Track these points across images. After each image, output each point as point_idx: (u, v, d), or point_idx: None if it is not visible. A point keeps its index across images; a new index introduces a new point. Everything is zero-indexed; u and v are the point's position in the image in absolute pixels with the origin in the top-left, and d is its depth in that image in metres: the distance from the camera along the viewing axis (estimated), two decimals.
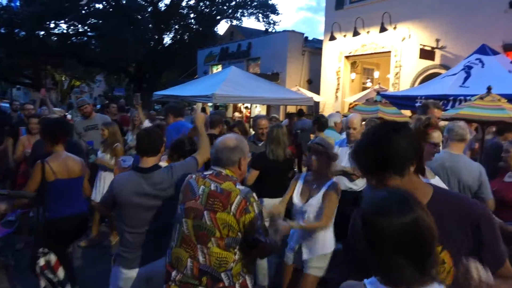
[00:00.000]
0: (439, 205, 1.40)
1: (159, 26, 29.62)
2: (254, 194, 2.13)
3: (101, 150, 5.23)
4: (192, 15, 32.33)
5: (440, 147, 2.92)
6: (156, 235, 2.61)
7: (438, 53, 10.99)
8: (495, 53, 7.58)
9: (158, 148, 2.73)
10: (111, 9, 25.85)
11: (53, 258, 3.07)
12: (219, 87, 9.78)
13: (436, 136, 2.70)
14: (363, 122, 4.77)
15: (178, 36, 32.50)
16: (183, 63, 27.75)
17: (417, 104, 7.16)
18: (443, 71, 9.71)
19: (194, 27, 32.26)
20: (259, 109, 18.07)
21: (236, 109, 16.82)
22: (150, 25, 27.99)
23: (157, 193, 2.60)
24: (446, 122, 4.17)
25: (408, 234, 1.08)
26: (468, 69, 7.25)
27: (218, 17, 32.72)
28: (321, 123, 5.62)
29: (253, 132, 5.51)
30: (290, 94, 11.78)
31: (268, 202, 3.99)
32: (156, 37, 30.67)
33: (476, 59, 7.39)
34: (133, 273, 2.57)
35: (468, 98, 5.91)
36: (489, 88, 5.36)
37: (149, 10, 29.70)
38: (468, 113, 4.85)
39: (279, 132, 4.08)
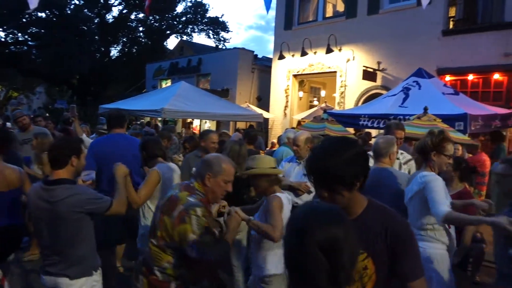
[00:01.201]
0: (369, 216, 1.54)
1: (106, 38, 28.88)
2: (199, 210, 2.11)
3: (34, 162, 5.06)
4: (141, 29, 31.90)
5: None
6: (55, 249, 2.50)
7: (379, 75, 11.65)
8: (430, 76, 8.17)
9: (63, 161, 2.51)
10: (54, 19, 24.84)
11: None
12: (169, 102, 9.69)
13: (450, 148, 2.82)
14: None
15: (126, 49, 31.87)
16: (131, 77, 27.16)
17: (361, 122, 7.54)
18: (384, 92, 10.29)
19: (143, 40, 31.81)
20: (208, 125, 18.03)
21: (185, 124, 16.66)
22: (96, 37, 27.21)
23: (53, 207, 2.42)
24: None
25: (338, 245, 1.09)
26: (406, 90, 7.75)
27: (168, 32, 32.52)
28: (250, 136, 5.82)
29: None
30: (240, 111, 11.91)
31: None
32: (103, 49, 29.84)
33: (414, 81, 7.92)
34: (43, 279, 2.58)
35: (407, 117, 6.31)
36: (425, 109, 5.77)
37: (95, 21, 28.90)
38: (407, 132, 5.17)
39: (243, 148, 4.09)
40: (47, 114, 16.42)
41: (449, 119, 6.12)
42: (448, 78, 9.99)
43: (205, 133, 4.79)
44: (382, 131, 5.13)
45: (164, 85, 20.44)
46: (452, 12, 10.65)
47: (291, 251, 1.15)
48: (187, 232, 2.06)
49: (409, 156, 4.03)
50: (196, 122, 17.72)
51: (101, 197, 2.58)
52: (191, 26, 33.01)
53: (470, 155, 6.76)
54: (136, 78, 25.53)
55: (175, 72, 20.34)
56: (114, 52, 32.65)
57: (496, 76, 9.40)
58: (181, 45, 32.10)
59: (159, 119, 10.64)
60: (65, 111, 15.05)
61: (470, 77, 9.83)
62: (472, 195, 3.97)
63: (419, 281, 1.49)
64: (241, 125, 14.41)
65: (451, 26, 10.60)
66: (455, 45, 10.03)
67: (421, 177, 2.76)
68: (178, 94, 10.32)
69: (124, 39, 31.54)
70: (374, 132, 9.38)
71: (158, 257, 2.16)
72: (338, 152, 1.45)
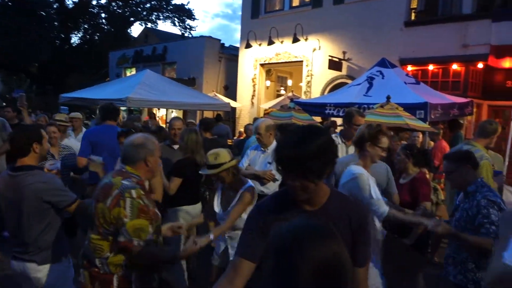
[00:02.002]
0: (333, 204, 1.58)
1: (66, 25, 27.72)
2: (134, 192, 2.11)
3: None
4: (103, 15, 30.80)
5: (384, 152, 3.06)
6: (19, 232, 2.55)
7: (344, 64, 11.85)
8: (393, 66, 8.39)
9: (26, 149, 2.55)
10: (10, 3, 23.57)
11: None
12: (134, 91, 9.45)
13: (385, 141, 2.86)
14: None
15: (88, 36, 30.73)
16: (93, 65, 26.28)
17: (327, 111, 7.66)
18: (349, 81, 10.49)
19: (106, 27, 30.75)
20: (175, 114, 17.78)
21: (151, 114, 16.34)
22: (55, 23, 26.07)
23: (19, 193, 2.49)
24: None
25: (332, 265, 0.99)
26: (370, 80, 7.93)
27: (132, 19, 31.60)
28: (206, 124, 5.87)
29: None
30: (207, 100, 11.79)
31: (189, 210, 3.97)
32: (63, 36, 28.66)
33: (377, 71, 8.11)
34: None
35: (371, 106, 6.47)
36: (388, 98, 5.93)
37: (54, 6, 27.65)
38: (371, 120, 5.30)
39: (199, 136, 4.09)
40: (4, 104, 15.60)
41: (410, 108, 6.33)
42: (410, 68, 10.29)
43: (171, 121, 4.79)
44: None
45: (128, 74, 19.93)
46: (414, 3, 10.93)
47: (277, 275, 1.00)
48: (121, 215, 2.06)
49: None
50: (162, 112, 17.43)
51: (66, 191, 2.63)
52: (156, 13, 32.22)
53: (432, 142, 7.04)
54: (99, 66, 24.76)
55: (140, 60, 19.87)
56: (75, 39, 31.44)
57: (455, 66, 9.77)
58: (145, 32, 31.35)
59: (123, 108, 10.37)
60: None
61: (431, 67, 10.17)
62: (428, 179, 4.11)
63: (365, 268, 1.62)
64: (208, 114, 14.29)
65: (413, 18, 10.89)
66: (417, 36, 10.33)
67: (349, 172, 2.82)
68: (143, 82, 10.07)
69: (85, 26, 30.37)
70: (339, 121, 9.55)
71: (99, 248, 2.13)
72: (310, 140, 1.43)
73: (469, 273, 2.70)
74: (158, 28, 33.38)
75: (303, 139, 1.43)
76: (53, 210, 2.56)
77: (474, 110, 9.08)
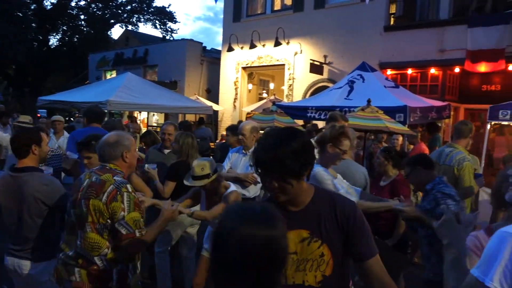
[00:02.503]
0: (317, 203, 1.56)
1: (44, 26, 27.17)
2: (129, 186, 2.22)
3: None
4: (82, 17, 30.32)
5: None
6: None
7: (326, 68, 11.98)
8: (373, 70, 8.53)
9: (25, 150, 2.69)
10: None
11: None
12: (114, 94, 9.36)
13: (346, 143, 2.81)
14: (261, 131, 4.96)
15: (67, 38, 30.17)
16: (72, 67, 25.82)
17: (308, 114, 7.73)
18: (330, 85, 10.60)
19: (85, 29, 30.28)
20: (156, 118, 17.62)
21: (132, 118, 16.16)
22: (33, 24, 25.52)
23: (20, 193, 2.61)
24: None
25: (263, 250, 1.05)
26: (351, 83, 8.04)
27: (112, 21, 31.20)
28: (184, 126, 6.15)
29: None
30: (189, 103, 11.76)
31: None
32: (41, 37, 28.06)
33: (358, 74, 8.23)
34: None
35: (351, 109, 6.56)
36: (368, 101, 6.02)
37: (32, 7, 27.08)
38: (352, 123, 5.38)
39: (195, 140, 4.07)
40: None
41: (390, 111, 6.44)
42: (389, 72, 10.48)
43: (163, 126, 4.80)
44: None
45: (108, 76, 19.69)
46: (393, 9, 11.16)
47: (220, 253, 1.08)
48: (118, 210, 2.13)
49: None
50: (143, 115, 17.26)
51: (65, 194, 2.71)
52: (136, 16, 31.91)
53: (411, 146, 7.19)
54: (78, 69, 24.35)
55: (121, 63, 19.65)
56: (53, 41, 30.80)
57: (432, 70, 10.00)
58: (126, 35, 31.02)
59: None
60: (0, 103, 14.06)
61: (409, 71, 10.38)
62: (407, 181, 4.20)
63: (375, 258, 1.52)
64: (190, 117, 14.23)
65: (392, 22, 11.11)
66: (396, 40, 10.53)
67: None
68: (124, 85, 9.98)
69: (64, 28, 29.80)
70: (321, 124, 9.65)
71: (96, 246, 2.16)
72: (287, 141, 1.44)
73: (432, 267, 2.78)
74: (139, 31, 33.08)
75: (280, 140, 1.44)
76: (51, 210, 2.66)
77: (452, 113, 9.30)
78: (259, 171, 1.48)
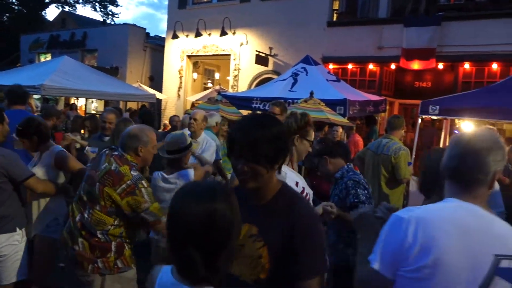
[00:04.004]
0: (277, 203, 1.48)
1: None
2: (144, 182, 2.45)
3: None
4: None
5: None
6: None
7: (271, 60, 12.13)
8: (316, 63, 8.80)
9: None
10: None
11: None
12: (49, 78, 8.82)
13: (312, 133, 2.49)
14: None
15: None
16: (2, 49, 23.88)
17: (253, 105, 7.81)
18: (275, 76, 10.77)
19: (16, 8, 28.10)
20: (95, 105, 16.86)
21: (72, 105, 15.30)
22: None
23: None
24: None
25: (203, 223, 1.10)
26: (295, 76, 8.24)
27: (47, 0, 29.23)
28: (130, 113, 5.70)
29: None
30: (131, 90, 11.38)
31: None
32: None
33: (302, 67, 8.45)
34: None
35: (295, 101, 6.73)
36: (311, 93, 6.22)
37: None
38: None
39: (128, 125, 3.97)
40: None
41: (331, 103, 6.70)
42: (331, 66, 10.85)
43: (103, 113, 4.63)
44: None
45: (43, 60, 18.50)
46: (336, 5, 11.53)
47: (172, 230, 1.16)
48: (141, 203, 2.39)
49: None
50: (81, 102, 16.42)
51: (23, 166, 2.86)
52: None
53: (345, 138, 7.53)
54: (8, 50, 22.58)
55: (56, 45, 18.51)
56: None
57: (371, 66, 10.50)
58: (62, 16, 29.25)
59: (37, 97, 9.55)
60: None
61: (350, 66, 10.82)
62: None
63: (309, 281, 1.39)
64: (132, 105, 13.79)
65: (335, 18, 11.47)
66: (338, 36, 10.91)
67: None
68: (59, 69, 9.43)
69: None
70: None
71: (102, 222, 2.41)
72: (267, 126, 1.43)
73: (339, 253, 2.89)
74: (76, 13, 31.30)
75: (261, 124, 1.43)
76: (11, 183, 2.77)
77: (387, 107, 9.85)
78: (233, 154, 1.44)
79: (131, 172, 2.42)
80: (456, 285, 1.21)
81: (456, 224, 1.25)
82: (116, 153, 2.52)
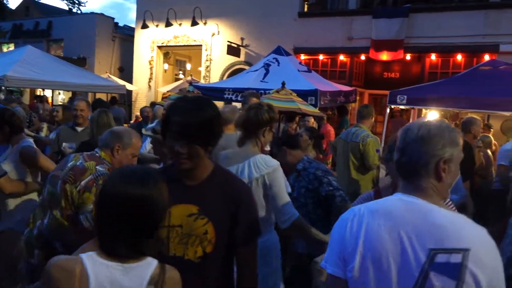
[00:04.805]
0: (213, 181, 1.55)
1: None
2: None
3: None
4: None
5: None
6: None
7: (243, 51, 12.09)
8: (288, 54, 8.83)
9: None
10: None
11: None
12: (12, 68, 8.49)
13: (274, 125, 2.57)
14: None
15: None
16: None
17: (226, 96, 7.79)
18: (247, 67, 10.76)
19: None
20: (63, 97, 16.36)
21: (41, 98, 14.77)
22: None
23: None
24: None
25: (136, 207, 1.16)
26: (267, 66, 8.25)
27: None
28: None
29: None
30: (100, 81, 11.10)
31: None
32: None
33: (273, 58, 8.47)
34: None
35: (267, 91, 6.75)
36: (283, 84, 6.25)
37: None
38: None
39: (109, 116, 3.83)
40: None
41: (303, 94, 6.75)
42: (303, 57, 10.93)
43: (74, 102, 4.45)
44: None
45: (5, 50, 17.76)
46: None
47: (103, 211, 1.21)
48: (88, 201, 2.12)
49: None
50: (47, 94, 15.88)
51: None
52: None
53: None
54: None
55: (20, 35, 17.78)
56: None
57: (341, 57, 10.65)
58: (26, 4, 28.12)
59: None
60: None
61: (321, 57, 10.94)
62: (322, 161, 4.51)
63: (247, 248, 1.56)
64: (101, 97, 13.44)
65: (305, 9, 11.53)
66: (309, 26, 10.98)
67: (266, 162, 2.24)
68: (23, 59, 9.08)
69: None
70: (238, 105, 9.77)
71: (62, 230, 2.15)
72: (206, 108, 1.47)
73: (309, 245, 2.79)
74: (41, 1, 30.11)
75: (200, 106, 1.47)
76: None
77: (358, 97, 10.03)
78: (170, 135, 1.45)
79: (96, 167, 2.19)
80: (389, 282, 1.14)
81: (390, 219, 1.18)
82: (89, 152, 2.33)
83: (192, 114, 1.44)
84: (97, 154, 2.29)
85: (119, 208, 1.16)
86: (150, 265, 1.20)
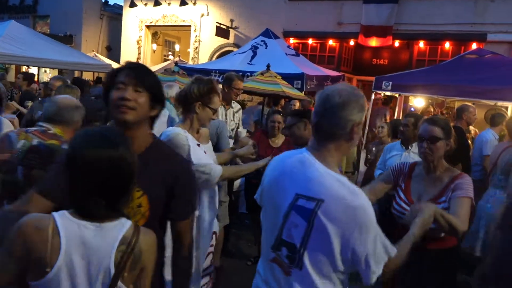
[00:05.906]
0: (152, 155, 1.53)
1: None
2: None
3: None
4: None
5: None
6: None
7: (232, 33, 11.97)
8: (276, 37, 8.77)
9: None
10: None
11: None
12: None
13: (216, 101, 2.44)
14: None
15: None
16: None
17: (212, 77, 7.73)
18: (235, 49, 10.65)
19: None
20: (50, 75, 16.08)
21: (30, 76, 14.47)
22: None
23: None
24: None
25: (109, 169, 1.18)
26: (255, 49, 8.20)
27: None
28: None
29: None
30: (86, 59, 10.92)
31: None
32: None
33: (262, 41, 8.41)
34: None
35: (254, 74, 6.73)
36: (268, 66, 6.23)
37: None
38: (251, 86, 5.56)
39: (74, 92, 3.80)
40: None
41: (289, 77, 6.75)
42: (292, 40, 10.86)
43: (50, 81, 4.41)
44: None
45: None
46: None
47: (72, 173, 1.21)
48: None
49: (238, 106, 4.42)
50: (33, 71, 15.61)
51: None
52: None
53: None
54: None
55: (4, 10, 17.30)
56: None
57: (331, 42, 10.60)
58: None
59: None
60: None
61: (310, 41, 10.87)
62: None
63: (185, 221, 1.62)
64: (88, 76, 13.25)
65: None
66: (299, 10, 10.88)
67: (164, 134, 2.28)
68: (6, 35, 8.87)
69: None
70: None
71: None
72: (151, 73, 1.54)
73: None
74: None
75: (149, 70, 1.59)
76: None
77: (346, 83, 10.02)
78: (119, 81, 1.45)
79: (63, 147, 1.99)
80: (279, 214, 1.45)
81: (282, 167, 1.51)
82: (33, 129, 2.10)
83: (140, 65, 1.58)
84: (51, 131, 2.08)
85: (91, 171, 1.16)
86: (123, 225, 1.22)
